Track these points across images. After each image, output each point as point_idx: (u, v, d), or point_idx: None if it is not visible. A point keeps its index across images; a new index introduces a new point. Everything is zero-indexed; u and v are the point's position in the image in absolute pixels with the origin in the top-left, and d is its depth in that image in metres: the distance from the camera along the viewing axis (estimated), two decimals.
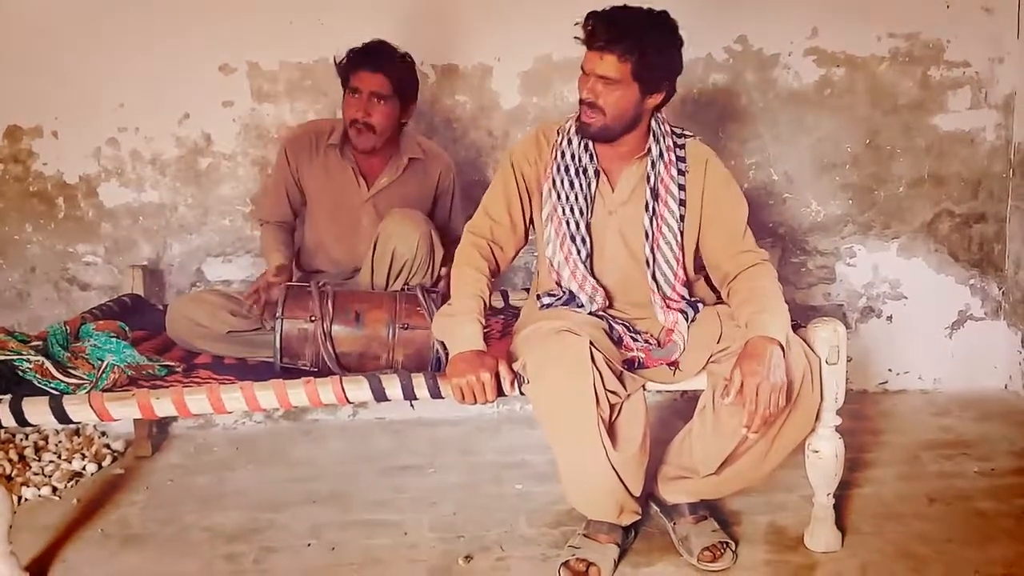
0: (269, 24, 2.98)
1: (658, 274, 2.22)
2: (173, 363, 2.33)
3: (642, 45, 2.04)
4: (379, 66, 2.53)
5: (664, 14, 2.11)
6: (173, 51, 2.96)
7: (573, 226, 2.20)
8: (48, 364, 2.13)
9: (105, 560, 2.32)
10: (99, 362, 2.19)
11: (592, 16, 2.07)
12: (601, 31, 2.05)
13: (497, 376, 2.03)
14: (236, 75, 3.02)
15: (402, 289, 2.45)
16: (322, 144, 2.68)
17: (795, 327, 2.22)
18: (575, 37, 2.11)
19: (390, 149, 2.69)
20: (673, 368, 2.19)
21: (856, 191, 3.26)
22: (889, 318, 3.36)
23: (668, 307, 2.22)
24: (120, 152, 3.05)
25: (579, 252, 2.21)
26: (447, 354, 2.15)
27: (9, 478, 2.69)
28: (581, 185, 2.20)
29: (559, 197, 2.21)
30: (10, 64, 2.95)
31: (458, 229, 2.76)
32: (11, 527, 2.13)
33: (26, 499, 2.62)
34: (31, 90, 2.98)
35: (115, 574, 2.27)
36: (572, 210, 2.20)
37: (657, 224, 2.21)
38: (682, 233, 2.22)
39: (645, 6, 2.11)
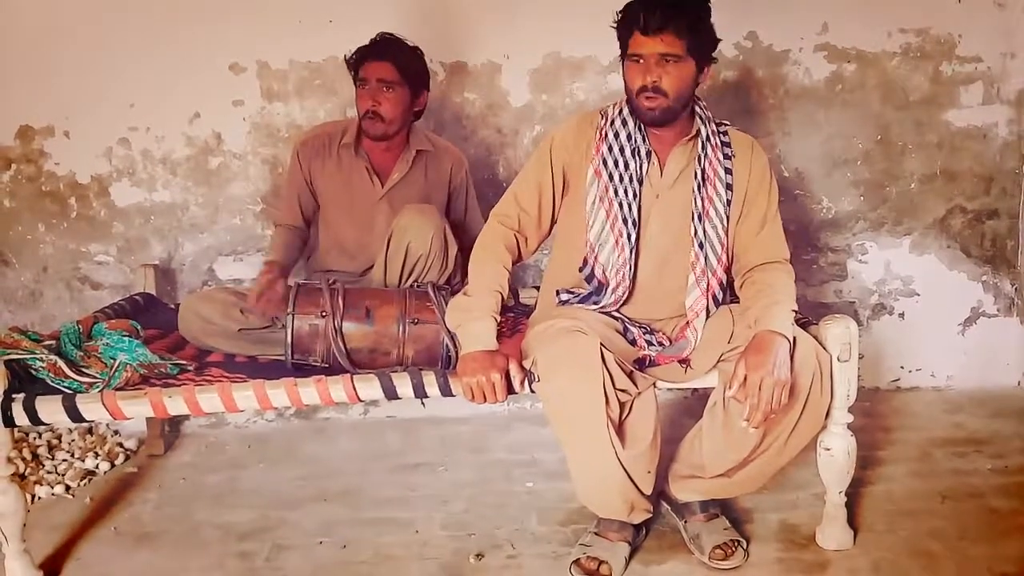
0: (279, 23, 2.99)
1: (705, 257, 2.20)
2: (185, 362, 2.34)
3: (694, 17, 2.04)
4: (384, 55, 2.56)
5: None
6: (183, 51, 2.97)
7: (626, 208, 2.17)
8: (61, 363, 2.14)
9: (118, 558, 2.33)
10: (112, 361, 2.20)
11: (639, 2, 2.06)
12: (655, 12, 2.02)
13: (507, 375, 2.03)
14: (246, 74, 3.03)
15: (412, 286, 2.46)
16: (335, 145, 2.69)
17: (807, 324, 2.22)
18: (613, 25, 2.10)
19: (401, 144, 2.70)
20: (685, 366, 2.18)
21: (867, 187, 3.25)
22: (901, 315, 3.35)
23: (706, 293, 2.20)
24: (131, 152, 3.06)
25: (628, 235, 2.18)
26: (457, 350, 2.16)
27: (23, 477, 2.71)
28: (635, 167, 2.18)
29: (611, 177, 2.18)
30: (21, 64, 2.97)
31: (473, 225, 2.77)
32: (25, 525, 2.15)
33: (39, 497, 2.64)
34: (42, 90, 2.99)
35: (128, 572, 2.28)
36: (626, 191, 2.17)
37: (705, 207, 2.19)
38: (728, 218, 2.21)
39: None
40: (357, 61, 2.59)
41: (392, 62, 2.56)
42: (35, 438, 2.99)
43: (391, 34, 2.61)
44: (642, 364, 2.17)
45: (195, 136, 3.06)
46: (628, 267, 2.19)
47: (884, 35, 3.15)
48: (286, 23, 2.99)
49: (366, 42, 2.59)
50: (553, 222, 2.29)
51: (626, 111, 2.19)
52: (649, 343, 2.20)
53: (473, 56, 3.07)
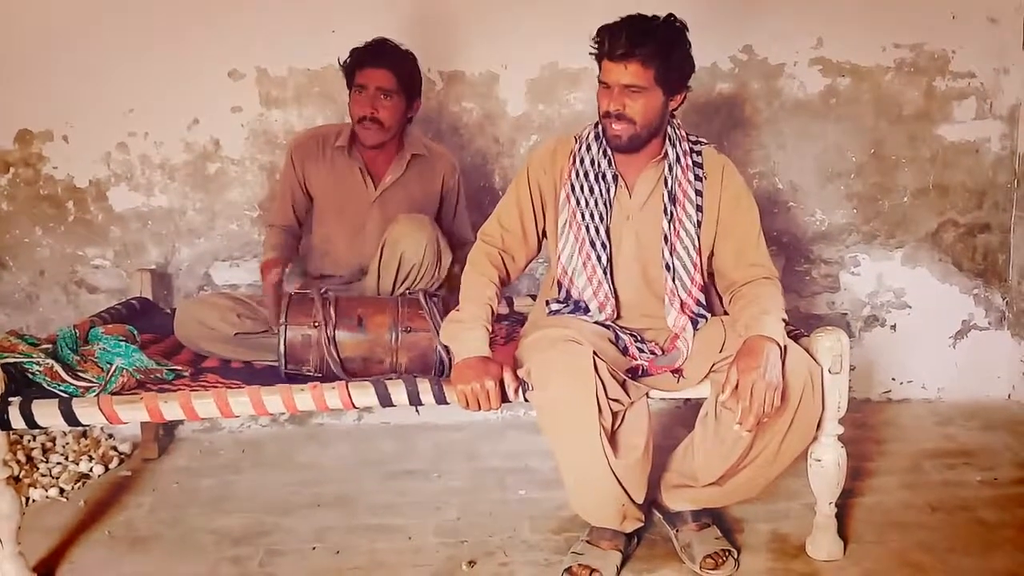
0: (278, 30, 3.01)
1: (676, 278, 2.22)
2: (181, 367, 2.35)
3: (662, 48, 2.07)
4: (384, 62, 2.56)
5: (672, 17, 2.12)
6: (182, 57, 2.99)
7: (593, 231, 2.21)
8: (57, 367, 2.15)
9: (111, 562, 2.33)
10: (108, 366, 2.21)
11: (607, 28, 2.09)
12: (620, 41, 2.05)
13: (501, 383, 2.05)
14: (245, 81, 3.04)
15: (403, 293, 2.47)
16: (329, 147, 2.70)
17: (798, 336, 2.24)
18: (590, 53, 2.13)
19: (395, 148, 2.71)
20: (677, 376, 2.20)
21: (861, 200, 3.27)
22: (893, 327, 3.37)
23: (682, 311, 2.22)
24: (130, 157, 3.07)
25: (598, 258, 2.21)
26: (451, 357, 2.17)
27: (17, 479, 2.71)
28: (600, 190, 2.21)
29: (578, 203, 2.21)
30: (21, 69, 2.98)
31: (463, 232, 2.79)
32: (19, 528, 2.15)
33: (33, 500, 2.64)
34: (42, 95, 3.01)
35: None
36: (592, 215, 2.20)
37: (675, 228, 2.21)
38: (699, 238, 2.23)
39: (650, 13, 2.13)
40: (353, 65, 2.59)
41: (391, 70, 2.56)
42: (29, 441, 2.99)
43: (386, 39, 2.61)
44: (635, 374, 2.19)
45: (193, 142, 3.07)
46: (605, 287, 2.22)
47: (878, 50, 3.18)
48: (285, 30, 3.01)
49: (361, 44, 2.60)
50: (539, 240, 2.32)
51: (592, 134, 2.23)
52: (641, 351, 2.22)
53: (471, 66, 3.09)
